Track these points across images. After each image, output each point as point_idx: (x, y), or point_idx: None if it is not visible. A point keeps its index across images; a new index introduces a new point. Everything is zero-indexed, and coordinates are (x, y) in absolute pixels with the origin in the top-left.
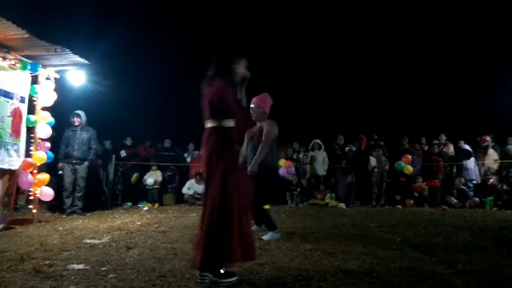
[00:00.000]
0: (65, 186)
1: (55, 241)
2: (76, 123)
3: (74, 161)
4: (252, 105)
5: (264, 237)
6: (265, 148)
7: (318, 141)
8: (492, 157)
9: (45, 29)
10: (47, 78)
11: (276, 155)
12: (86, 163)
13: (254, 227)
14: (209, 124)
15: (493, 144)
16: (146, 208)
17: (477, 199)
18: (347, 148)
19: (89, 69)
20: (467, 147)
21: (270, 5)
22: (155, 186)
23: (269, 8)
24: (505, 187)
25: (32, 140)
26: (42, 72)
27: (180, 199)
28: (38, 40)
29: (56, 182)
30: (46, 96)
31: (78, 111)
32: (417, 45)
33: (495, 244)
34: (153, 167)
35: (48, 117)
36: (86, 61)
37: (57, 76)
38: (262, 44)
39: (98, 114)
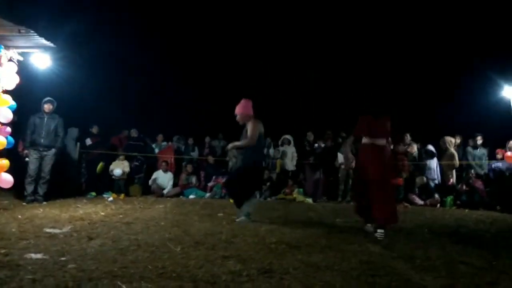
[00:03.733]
0: (28, 172)
1: (13, 230)
2: (47, 110)
3: (41, 149)
4: (236, 115)
5: (237, 220)
6: (248, 141)
7: (287, 136)
8: (451, 158)
9: (9, 8)
10: (10, 60)
11: (262, 154)
12: (53, 150)
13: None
14: (382, 143)
15: (456, 146)
16: (111, 198)
17: (437, 197)
18: (316, 145)
19: (55, 52)
20: (430, 147)
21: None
22: (122, 177)
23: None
24: (464, 187)
25: None
26: (4, 54)
27: (147, 190)
28: (1, 20)
29: (20, 168)
30: (8, 78)
31: (51, 98)
32: (387, 46)
33: (452, 242)
34: (121, 157)
35: (10, 101)
36: (52, 44)
37: (21, 58)
38: (233, 38)
39: (63, 100)
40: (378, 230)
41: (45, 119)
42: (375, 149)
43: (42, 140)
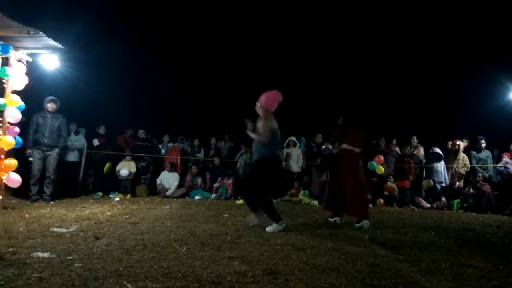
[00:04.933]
0: (33, 173)
1: (21, 229)
2: (50, 109)
3: (44, 148)
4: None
5: (267, 229)
6: (261, 137)
7: (293, 138)
8: (462, 162)
9: (18, 9)
10: (19, 61)
11: (278, 148)
12: (57, 149)
13: (248, 219)
14: (358, 151)
15: (463, 149)
16: (117, 198)
17: (444, 200)
18: (323, 146)
19: (63, 53)
20: (438, 150)
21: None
22: (129, 177)
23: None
24: (471, 190)
25: (0, 124)
26: (13, 54)
27: (153, 190)
28: (10, 21)
29: (24, 168)
30: (17, 79)
31: (54, 97)
32: (394, 50)
33: (458, 245)
34: (127, 157)
35: (18, 101)
36: (60, 45)
37: (30, 59)
38: (241, 39)
39: (71, 100)
40: (364, 221)
41: (49, 118)
42: (355, 155)
43: (45, 140)
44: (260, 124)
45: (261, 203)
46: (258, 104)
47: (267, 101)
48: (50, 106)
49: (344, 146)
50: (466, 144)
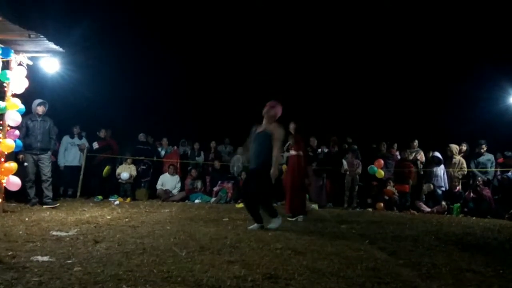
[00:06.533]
0: (29, 177)
1: (20, 232)
2: (41, 112)
3: (38, 152)
4: (267, 107)
5: (269, 226)
6: (279, 151)
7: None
8: (458, 165)
9: (19, 13)
10: (19, 64)
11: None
12: (49, 152)
13: (254, 225)
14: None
15: (462, 154)
16: (117, 202)
17: (444, 204)
18: (319, 150)
19: (63, 57)
20: (437, 154)
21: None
22: (129, 181)
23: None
24: (471, 195)
25: (1, 128)
26: (14, 58)
27: (153, 194)
28: (11, 25)
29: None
30: (18, 82)
31: (43, 100)
32: (395, 54)
33: (459, 249)
34: (128, 160)
35: (19, 104)
36: (60, 49)
37: (30, 62)
38: (239, 44)
39: (72, 104)
40: (299, 216)
41: (38, 121)
42: (300, 158)
43: (38, 144)
44: (275, 132)
45: (262, 203)
46: (272, 110)
47: (279, 110)
48: (41, 109)
49: (293, 152)
50: (465, 148)
